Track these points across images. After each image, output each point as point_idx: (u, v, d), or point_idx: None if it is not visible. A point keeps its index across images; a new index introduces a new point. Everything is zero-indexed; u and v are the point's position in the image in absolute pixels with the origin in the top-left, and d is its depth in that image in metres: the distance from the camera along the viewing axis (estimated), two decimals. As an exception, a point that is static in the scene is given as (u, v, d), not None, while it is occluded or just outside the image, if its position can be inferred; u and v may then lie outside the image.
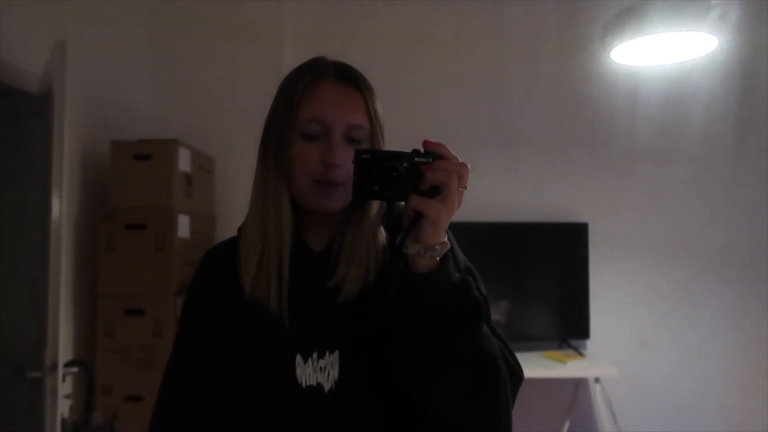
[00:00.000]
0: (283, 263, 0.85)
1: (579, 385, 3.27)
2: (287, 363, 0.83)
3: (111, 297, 2.50)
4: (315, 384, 0.82)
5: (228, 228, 3.15)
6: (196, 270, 0.97)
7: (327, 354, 0.83)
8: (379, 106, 0.87)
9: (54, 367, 1.56)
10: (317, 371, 0.82)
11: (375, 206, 0.88)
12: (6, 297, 2.07)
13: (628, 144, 3.42)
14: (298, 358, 0.83)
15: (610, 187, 3.43)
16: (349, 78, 0.86)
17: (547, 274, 3.36)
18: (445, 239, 0.76)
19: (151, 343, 2.49)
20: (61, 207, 1.64)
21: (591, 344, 3.36)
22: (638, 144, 3.41)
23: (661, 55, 2.38)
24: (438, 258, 0.74)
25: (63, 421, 1.60)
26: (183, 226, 2.61)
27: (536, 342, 3.35)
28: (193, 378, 0.90)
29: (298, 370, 0.82)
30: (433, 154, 0.76)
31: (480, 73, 3.40)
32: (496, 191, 3.40)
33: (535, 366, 3.05)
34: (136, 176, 2.53)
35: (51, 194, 1.64)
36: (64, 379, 1.61)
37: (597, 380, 3.05)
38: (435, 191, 0.74)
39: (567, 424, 3.18)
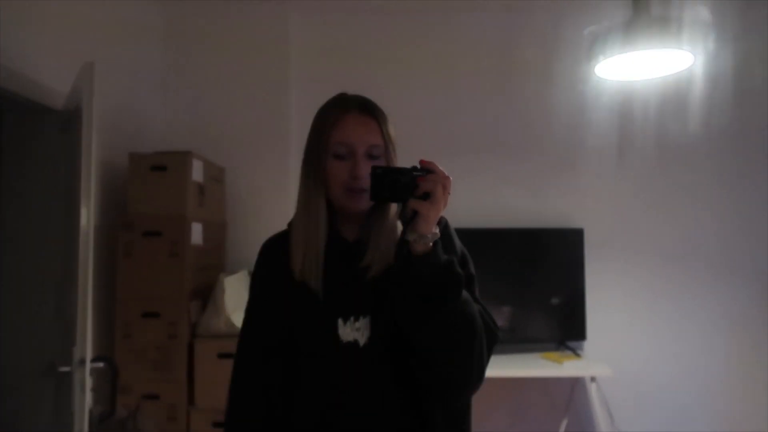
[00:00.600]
0: (322, 251, 1.12)
1: (576, 384, 3.38)
2: (331, 325, 1.10)
3: (129, 300, 2.64)
4: (352, 340, 1.09)
5: (239, 234, 3.30)
6: (258, 256, 1.23)
7: (361, 318, 1.10)
8: (392, 129, 1.15)
9: (83, 362, 1.70)
10: (354, 331, 1.10)
11: (393, 207, 1.14)
12: (32, 300, 2.21)
13: (620, 151, 3.55)
14: (339, 321, 1.10)
15: (605, 193, 3.56)
16: (367, 109, 1.14)
17: (544, 278, 3.47)
18: (436, 230, 1.02)
19: (166, 345, 2.62)
20: (89, 217, 1.78)
21: (588, 345, 3.47)
22: (631, 151, 3.54)
23: (648, 68, 2.51)
24: (430, 244, 1.01)
25: (89, 412, 1.73)
26: (196, 233, 2.75)
27: (534, 344, 3.46)
28: (261, 347, 1.16)
29: (340, 330, 1.10)
30: (426, 169, 1.04)
31: (477, 85, 3.54)
32: (493, 198, 3.54)
33: (533, 366, 3.16)
34: (152, 186, 2.68)
35: (80, 205, 1.78)
36: (90, 375, 1.75)
37: (593, 379, 3.16)
38: (427, 196, 1.01)
39: (564, 423, 3.28)
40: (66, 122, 2.21)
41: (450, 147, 3.45)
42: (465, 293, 1.05)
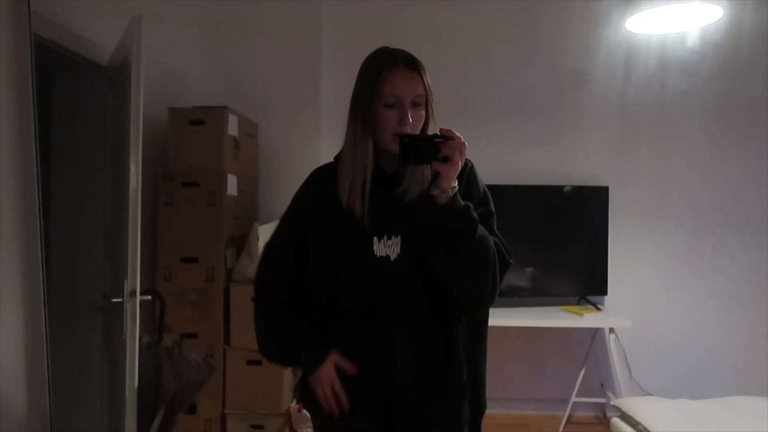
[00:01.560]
0: (366, 182, 1.30)
1: (595, 336, 3.48)
2: (367, 242, 1.29)
3: (169, 246, 2.82)
4: (385, 255, 1.29)
5: (270, 188, 3.44)
6: (306, 181, 1.43)
7: (393, 237, 1.29)
8: (429, 79, 1.30)
9: (133, 293, 1.87)
10: (387, 247, 1.29)
11: None
12: (84, 242, 2.39)
13: (648, 111, 3.57)
14: (375, 239, 1.29)
15: (631, 153, 3.59)
16: (412, 64, 1.30)
17: (569, 234, 3.55)
18: (455, 185, 1.21)
19: (204, 287, 2.81)
20: (138, 169, 1.93)
21: (608, 300, 3.56)
22: (658, 111, 3.56)
23: (678, 22, 2.51)
24: (450, 195, 1.20)
25: (139, 340, 1.91)
26: (232, 184, 2.90)
27: (556, 298, 3.56)
28: (288, 248, 1.39)
29: (375, 247, 1.29)
30: (446, 136, 1.21)
31: (509, 51, 3.59)
32: (522, 157, 3.61)
33: (554, 317, 3.27)
34: (190, 139, 2.83)
35: (128, 157, 1.93)
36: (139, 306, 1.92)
37: (611, 330, 3.26)
38: (447, 159, 1.19)
39: (582, 373, 3.40)
40: (113, 77, 2.35)
41: (481, 110, 3.52)
42: (482, 229, 1.25)
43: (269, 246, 1.45)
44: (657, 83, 3.53)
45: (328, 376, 1.30)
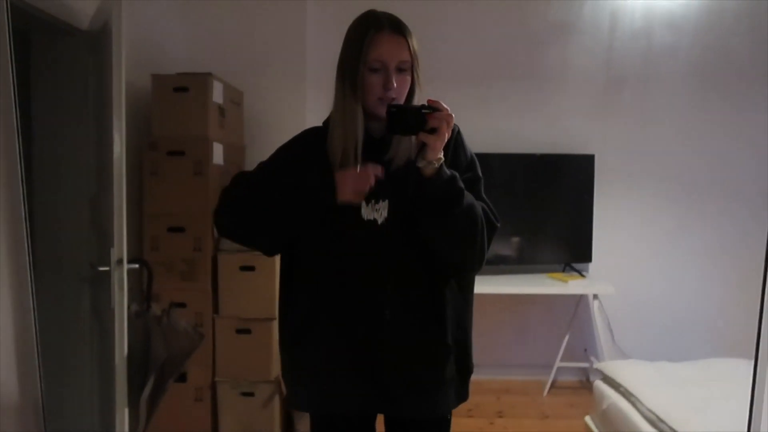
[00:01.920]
0: (358, 148, 1.30)
1: (579, 302, 3.54)
2: (356, 205, 1.29)
3: (156, 216, 2.80)
4: (372, 219, 1.30)
5: (256, 158, 3.39)
6: (294, 137, 1.42)
7: (380, 201, 1.30)
8: (416, 44, 1.30)
9: (120, 262, 1.86)
10: (374, 211, 1.30)
11: None
12: (68, 211, 2.37)
13: (635, 80, 3.57)
14: (363, 203, 1.29)
15: (616, 119, 3.61)
16: (398, 28, 1.29)
17: (554, 203, 3.58)
18: (440, 156, 1.22)
19: (192, 257, 2.80)
20: (122, 137, 1.90)
21: (592, 267, 3.62)
22: (632, 77, 3.57)
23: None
24: (436, 166, 1.22)
25: (127, 309, 1.91)
26: (218, 153, 2.87)
27: (542, 265, 3.61)
28: (263, 173, 1.36)
29: (362, 210, 1.30)
30: (433, 107, 1.21)
31: (495, 16, 3.55)
32: (509, 124, 3.61)
33: (539, 284, 3.33)
34: (174, 107, 2.79)
35: (111, 125, 1.90)
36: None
37: (595, 297, 3.32)
38: (433, 131, 1.20)
39: (567, 338, 3.47)
40: (93, 42, 2.29)
41: (466, 78, 3.50)
42: (469, 197, 1.27)
43: (239, 173, 1.43)
44: (643, 37, 3.52)
45: (346, 171, 1.27)
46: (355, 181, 1.24)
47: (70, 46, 2.35)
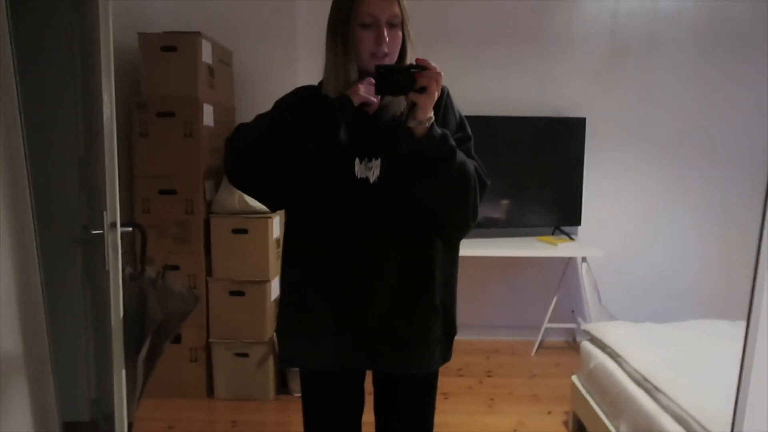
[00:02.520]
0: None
1: (568, 264, 3.59)
2: (349, 163, 1.31)
3: (146, 178, 2.78)
4: (364, 177, 1.31)
5: (246, 119, 3.35)
6: (289, 93, 1.41)
7: (373, 159, 1.31)
8: (405, 1, 1.29)
9: (114, 225, 1.85)
10: (366, 170, 1.31)
11: None
12: (58, 173, 2.33)
13: (625, 41, 3.54)
14: (356, 161, 1.30)
15: (608, 83, 3.59)
16: None
17: (545, 166, 3.58)
18: (431, 115, 1.22)
19: (184, 219, 2.79)
20: (111, 98, 1.86)
21: (582, 231, 3.65)
22: (635, 40, 3.53)
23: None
24: (427, 126, 1.22)
25: (121, 272, 1.90)
26: (208, 114, 2.83)
27: (531, 228, 3.64)
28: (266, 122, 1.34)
29: (356, 168, 1.30)
30: (422, 66, 1.20)
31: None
32: (500, 87, 3.58)
33: (528, 247, 3.36)
34: (163, 67, 2.73)
35: (100, 85, 1.85)
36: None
37: (584, 260, 3.37)
38: (423, 90, 1.19)
39: (554, 300, 3.52)
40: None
41: (456, 39, 3.44)
42: (461, 155, 1.28)
43: (240, 124, 1.40)
44: (638, 12, 3.49)
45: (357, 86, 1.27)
46: (365, 86, 1.26)
47: (53, 3, 2.28)
